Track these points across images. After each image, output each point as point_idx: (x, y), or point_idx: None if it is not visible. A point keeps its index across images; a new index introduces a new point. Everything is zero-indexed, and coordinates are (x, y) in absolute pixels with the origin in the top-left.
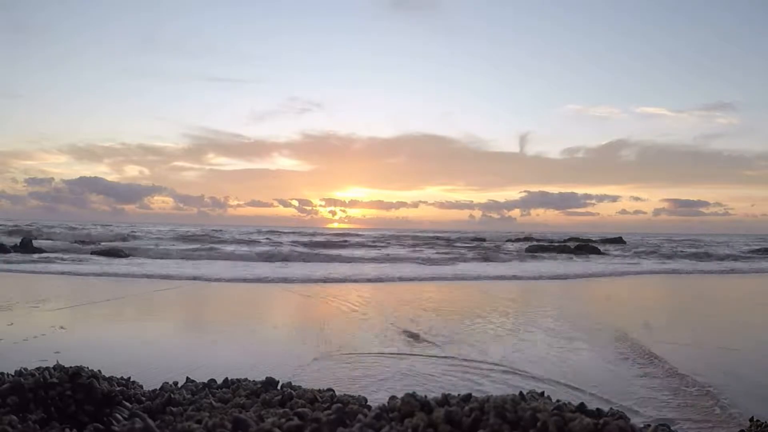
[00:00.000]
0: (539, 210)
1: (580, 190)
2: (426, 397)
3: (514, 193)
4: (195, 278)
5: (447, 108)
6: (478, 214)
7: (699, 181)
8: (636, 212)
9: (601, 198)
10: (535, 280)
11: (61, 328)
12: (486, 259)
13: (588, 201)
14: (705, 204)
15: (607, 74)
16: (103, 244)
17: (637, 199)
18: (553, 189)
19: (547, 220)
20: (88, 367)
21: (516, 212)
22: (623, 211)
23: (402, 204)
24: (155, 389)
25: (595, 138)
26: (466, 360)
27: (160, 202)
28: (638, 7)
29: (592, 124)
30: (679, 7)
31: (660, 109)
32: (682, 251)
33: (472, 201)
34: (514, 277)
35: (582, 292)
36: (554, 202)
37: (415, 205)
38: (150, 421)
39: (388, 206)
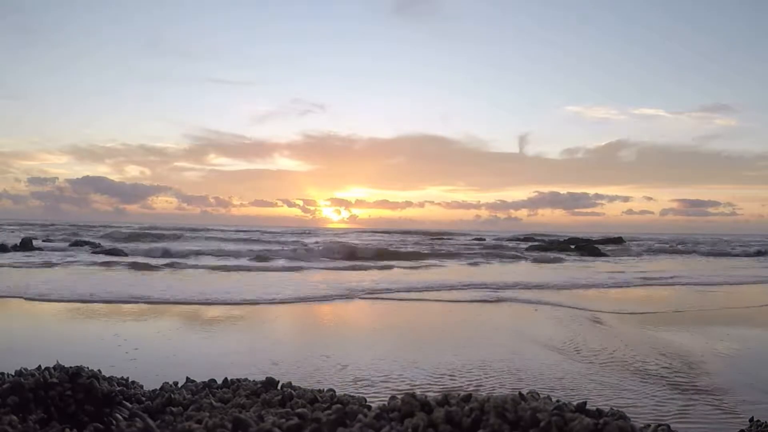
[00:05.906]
0: (545, 210)
1: (581, 190)
2: (426, 396)
3: (515, 194)
4: None
5: (446, 109)
6: (484, 213)
7: (699, 182)
8: (642, 212)
9: (612, 198)
10: None
11: None
12: None
13: (598, 201)
14: (716, 204)
15: (605, 76)
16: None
17: (649, 199)
18: (554, 189)
19: (553, 220)
20: (88, 367)
21: (522, 212)
22: (629, 211)
23: (408, 204)
24: (155, 389)
25: (593, 139)
26: None
27: (164, 202)
28: (635, 10)
29: (590, 125)
30: (676, 9)
31: (658, 111)
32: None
33: (479, 201)
34: None
35: None
36: (563, 202)
37: (421, 204)
38: (150, 421)
39: (394, 206)
